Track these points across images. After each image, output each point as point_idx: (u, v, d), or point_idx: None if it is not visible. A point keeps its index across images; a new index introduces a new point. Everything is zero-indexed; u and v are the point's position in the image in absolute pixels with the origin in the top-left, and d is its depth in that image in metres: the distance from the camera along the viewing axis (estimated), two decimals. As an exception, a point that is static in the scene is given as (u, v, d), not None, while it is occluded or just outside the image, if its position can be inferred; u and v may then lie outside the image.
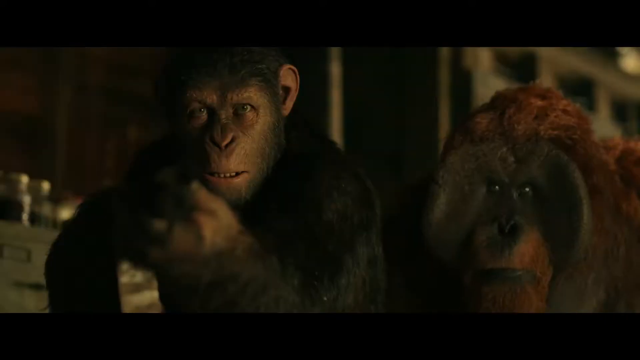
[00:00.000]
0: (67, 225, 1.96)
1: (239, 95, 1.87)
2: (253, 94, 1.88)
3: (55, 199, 3.06)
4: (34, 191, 2.93)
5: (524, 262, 1.91)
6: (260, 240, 1.60)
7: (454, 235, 1.97)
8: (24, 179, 2.89)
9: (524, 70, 4.52)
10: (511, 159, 1.97)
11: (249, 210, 1.87)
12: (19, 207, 2.83)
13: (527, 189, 1.97)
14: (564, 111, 2.02)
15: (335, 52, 4.04)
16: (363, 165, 2.02)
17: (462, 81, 4.31)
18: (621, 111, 5.29)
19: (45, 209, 2.96)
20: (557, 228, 1.95)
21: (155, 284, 1.63)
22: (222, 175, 1.86)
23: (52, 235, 2.46)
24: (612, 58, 5.25)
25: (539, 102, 2.01)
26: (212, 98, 1.87)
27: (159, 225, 1.42)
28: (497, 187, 1.98)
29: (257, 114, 1.89)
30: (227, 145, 1.86)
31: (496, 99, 2.06)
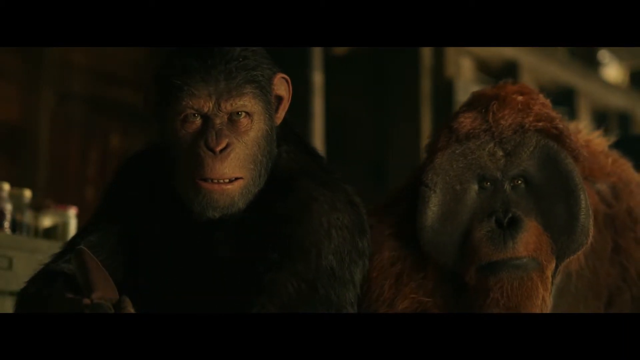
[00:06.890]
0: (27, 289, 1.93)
1: (234, 102, 1.86)
2: (248, 101, 1.87)
3: (37, 207, 3.04)
4: (16, 199, 2.91)
5: (528, 249, 1.90)
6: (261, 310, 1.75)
7: (449, 237, 1.95)
8: (6, 187, 2.88)
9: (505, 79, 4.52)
10: (500, 153, 1.97)
11: (242, 228, 1.88)
12: (1, 215, 2.82)
13: (519, 182, 1.96)
14: (543, 104, 2.03)
15: (317, 61, 4.04)
16: (346, 175, 2.02)
17: (444, 90, 4.33)
18: (602, 120, 5.32)
19: (27, 217, 2.95)
20: (555, 217, 1.94)
21: None
22: (215, 181, 1.85)
23: (34, 243, 2.46)
24: (594, 67, 5.27)
25: (520, 97, 2.01)
26: (207, 105, 1.86)
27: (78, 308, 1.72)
28: (488, 183, 1.97)
29: (252, 121, 1.88)
30: (221, 151, 1.85)
31: (475, 98, 2.06)
